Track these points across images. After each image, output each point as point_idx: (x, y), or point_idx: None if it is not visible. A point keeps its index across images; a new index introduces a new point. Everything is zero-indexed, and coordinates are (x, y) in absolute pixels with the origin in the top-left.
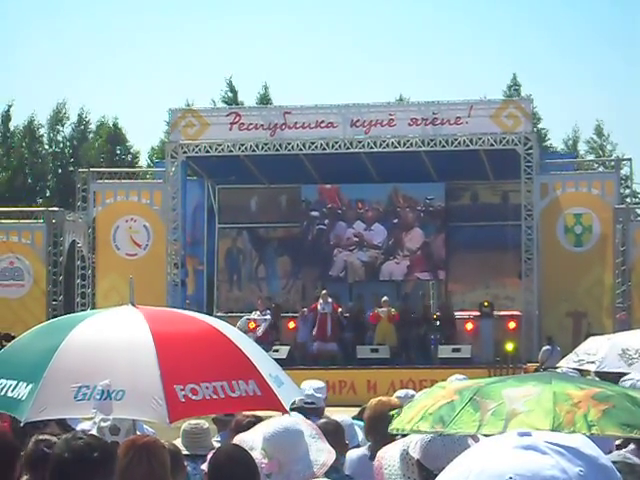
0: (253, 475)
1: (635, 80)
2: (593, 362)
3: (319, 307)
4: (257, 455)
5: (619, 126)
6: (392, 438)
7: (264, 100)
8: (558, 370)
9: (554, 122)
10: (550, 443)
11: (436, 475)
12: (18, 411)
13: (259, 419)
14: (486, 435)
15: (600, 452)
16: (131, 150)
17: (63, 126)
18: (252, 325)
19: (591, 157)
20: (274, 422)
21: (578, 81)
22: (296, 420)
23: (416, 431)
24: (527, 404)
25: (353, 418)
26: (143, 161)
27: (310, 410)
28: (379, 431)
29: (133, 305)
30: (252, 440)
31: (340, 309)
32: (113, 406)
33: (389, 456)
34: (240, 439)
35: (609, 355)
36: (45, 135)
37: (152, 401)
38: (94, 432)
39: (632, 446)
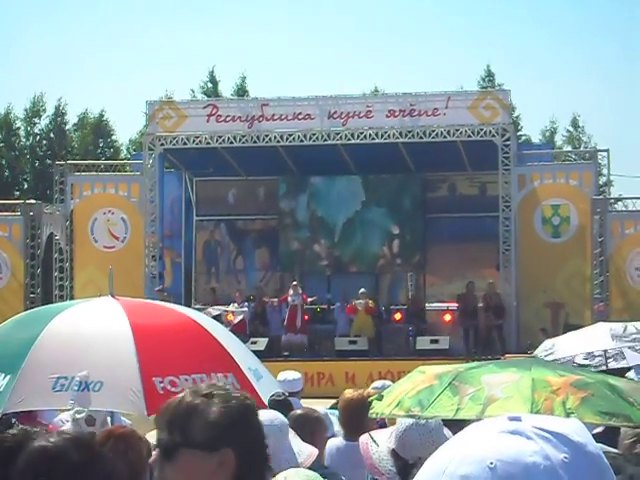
0: None
1: (611, 71)
2: (551, 353)
3: (289, 299)
4: None
5: (594, 117)
6: (366, 429)
7: (241, 92)
8: None
9: (528, 113)
10: (538, 428)
11: (411, 464)
12: None
13: None
14: (463, 420)
15: (590, 439)
16: (115, 142)
17: (40, 119)
18: (230, 317)
19: (568, 149)
20: (260, 414)
21: (553, 72)
22: (278, 413)
23: (395, 415)
24: (506, 390)
25: (330, 408)
26: (124, 154)
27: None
28: (354, 421)
29: (112, 296)
30: None
31: (310, 299)
32: (91, 397)
33: (377, 440)
34: None
35: (567, 344)
36: (22, 128)
37: (130, 393)
38: (70, 423)
39: (599, 429)
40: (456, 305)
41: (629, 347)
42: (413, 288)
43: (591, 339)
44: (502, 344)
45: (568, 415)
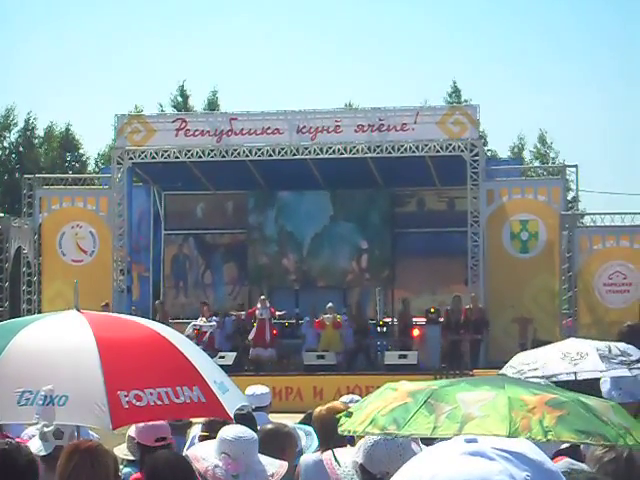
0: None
1: (578, 87)
2: (536, 369)
3: (257, 312)
4: (214, 461)
5: (561, 134)
6: (342, 444)
7: (212, 106)
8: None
9: (495, 129)
10: (497, 449)
11: (379, 479)
12: None
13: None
14: (441, 438)
15: (546, 457)
16: (82, 156)
17: (10, 132)
18: (197, 331)
19: (536, 164)
20: (230, 428)
21: (520, 87)
22: (246, 427)
23: (369, 432)
24: (483, 409)
25: (298, 423)
26: (92, 167)
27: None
28: (332, 438)
29: (78, 310)
30: (203, 451)
31: (279, 313)
32: (56, 412)
33: (343, 457)
34: (194, 455)
35: (550, 360)
36: None
37: (95, 407)
38: (37, 437)
39: (564, 445)
40: (424, 320)
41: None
42: (381, 303)
43: (582, 361)
44: (476, 359)
45: (546, 434)
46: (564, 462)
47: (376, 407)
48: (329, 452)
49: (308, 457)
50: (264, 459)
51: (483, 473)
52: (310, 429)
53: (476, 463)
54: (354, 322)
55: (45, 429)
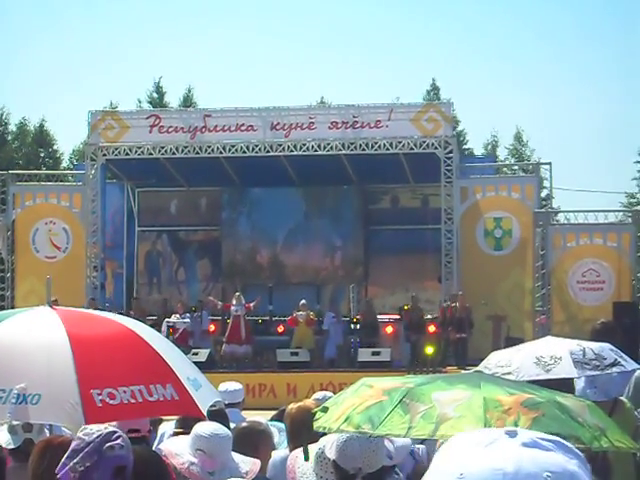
0: (164, 475)
1: (553, 84)
2: (509, 373)
3: (232, 309)
4: (189, 458)
5: (536, 131)
6: (313, 441)
7: (187, 102)
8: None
9: (473, 126)
10: (542, 439)
11: (352, 475)
12: None
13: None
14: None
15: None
16: (56, 152)
17: None
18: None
19: (511, 161)
20: (206, 425)
21: (497, 85)
22: (220, 425)
23: (343, 430)
24: (458, 409)
25: (270, 420)
26: (66, 164)
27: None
28: (301, 435)
29: (50, 306)
30: (176, 447)
31: (252, 303)
32: (29, 410)
33: (310, 453)
34: (169, 452)
35: (524, 364)
36: None
37: (68, 405)
38: (5, 430)
39: None
40: (398, 317)
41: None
42: (361, 301)
43: (555, 366)
44: (463, 357)
45: None
46: None
47: (351, 404)
48: (299, 449)
49: (277, 454)
50: (237, 457)
51: (560, 463)
52: (283, 426)
53: (544, 454)
54: (364, 318)
55: (14, 422)
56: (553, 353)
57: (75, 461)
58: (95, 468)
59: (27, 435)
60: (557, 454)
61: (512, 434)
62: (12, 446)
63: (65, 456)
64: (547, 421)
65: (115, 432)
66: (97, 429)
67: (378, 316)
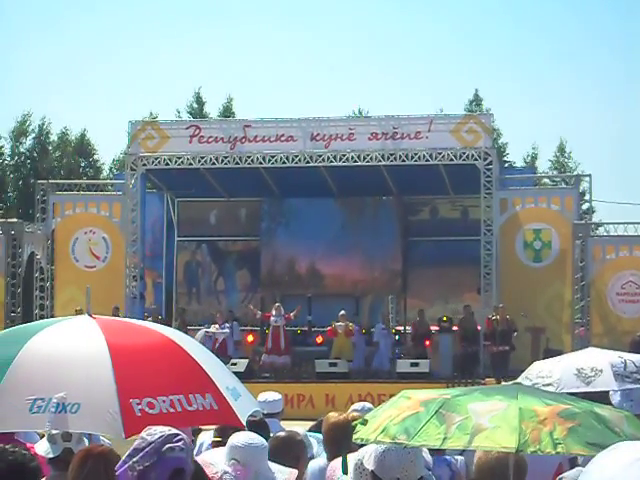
0: None
1: (597, 98)
2: (550, 384)
3: (272, 319)
4: (223, 467)
5: (579, 143)
6: (350, 451)
7: (227, 113)
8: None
9: (515, 138)
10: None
11: None
12: None
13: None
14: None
15: None
16: (97, 162)
17: (27, 137)
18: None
19: (552, 173)
20: (241, 435)
21: (540, 98)
22: (256, 434)
23: (380, 441)
24: (493, 420)
25: (309, 430)
26: (107, 173)
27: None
28: (337, 445)
29: (90, 315)
30: (212, 457)
31: (292, 313)
32: (68, 419)
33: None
34: (203, 461)
35: (564, 376)
36: (7, 146)
37: (107, 415)
38: (45, 439)
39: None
40: (437, 328)
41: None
42: (394, 311)
43: (595, 378)
44: (504, 370)
45: (555, 446)
46: (577, 470)
47: (389, 415)
48: (338, 459)
49: (314, 463)
50: (274, 466)
51: None
52: (322, 437)
53: None
54: (416, 330)
55: (53, 431)
56: (594, 365)
57: (135, 460)
58: (153, 468)
59: (66, 444)
60: None
61: None
62: (51, 455)
63: (126, 454)
64: (583, 431)
65: (177, 435)
66: (160, 430)
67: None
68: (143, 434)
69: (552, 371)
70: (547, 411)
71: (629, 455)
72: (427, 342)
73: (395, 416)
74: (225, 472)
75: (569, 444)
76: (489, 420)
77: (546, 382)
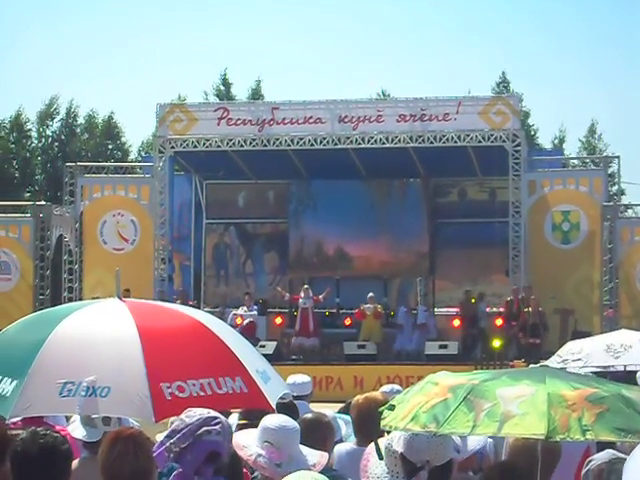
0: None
1: (629, 79)
2: (579, 359)
3: (300, 301)
4: (257, 450)
5: (610, 125)
6: (380, 434)
7: (256, 95)
8: None
9: (544, 120)
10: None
11: (420, 468)
12: (2, 408)
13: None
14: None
15: None
16: (124, 145)
17: (53, 120)
18: (239, 320)
19: (582, 155)
20: (274, 418)
21: (569, 79)
22: (288, 417)
23: (409, 429)
24: (521, 406)
25: (337, 412)
26: (135, 155)
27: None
28: (368, 427)
29: (119, 298)
30: (245, 439)
31: (321, 295)
32: (98, 403)
33: (374, 451)
34: (237, 444)
35: (594, 351)
36: (34, 129)
37: (137, 399)
38: (81, 422)
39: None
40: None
41: None
42: (422, 293)
43: (624, 353)
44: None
45: (584, 433)
46: (607, 452)
47: (417, 402)
48: (370, 447)
49: (342, 447)
50: (304, 449)
51: None
52: (349, 419)
53: None
54: (464, 311)
55: (94, 415)
56: (624, 342)
57: (172, 441)
58: (189, 450)
59: (107, 429)
60: None
61: None
62: (92, 440)
63: (164, 435)
64: (611, 416)
65: (216, 418)
66: (199, 412)
67: (445, 309)
68: (182, 416)
69: (583, 348)
70: (575, 395)
71: None
72: (454, 324)
73: (424, 403)
74: (259, 455)
75: (597, 430)
76: (518, 406)
77: (575, 358)
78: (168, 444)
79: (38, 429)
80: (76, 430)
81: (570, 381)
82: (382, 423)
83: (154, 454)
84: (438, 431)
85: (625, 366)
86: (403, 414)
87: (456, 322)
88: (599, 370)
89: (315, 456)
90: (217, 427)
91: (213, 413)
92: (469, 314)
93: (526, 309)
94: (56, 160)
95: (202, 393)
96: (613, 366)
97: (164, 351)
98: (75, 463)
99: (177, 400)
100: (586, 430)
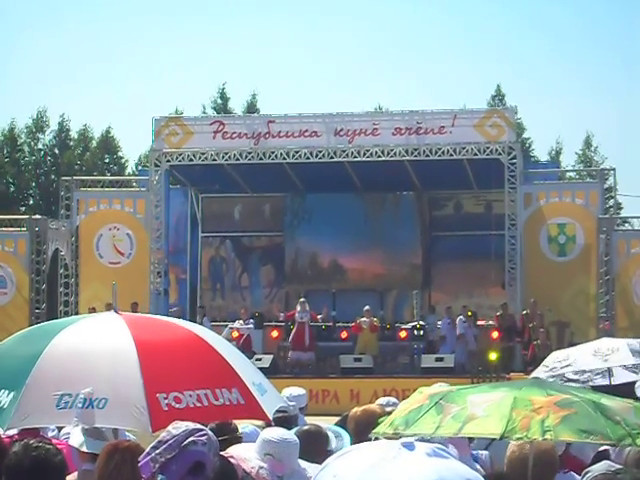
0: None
1: (626, 91)
2: (568, 365)
3: (297, 315)
4: (258, 462)
5: (607, 138)
6: None
7: (252, 108)
8: None
9: (540, 133)
10: (438, 449)
11: None
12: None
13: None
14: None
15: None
16: (121, 159)
17: (44, 134)
18: (235, 334)
19: (578, 168)
20: (274, 430)
21: (566, 92)
22: (287, 430)
23: (385, 433)
24: (487, 409)
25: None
26: (132, 169)
27: (286, 419)
28: (365, 440)
29: (116, 311)
30: (245, 451)
31: (320, 316)
32: (95, 415)
33: None
34: (238, 457)
35: (582, 356)
36: (25, 143)
37: (134, 410)
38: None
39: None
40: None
41: None
42: (418, 306)
43: (612, 355)
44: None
45: (544, 433)
46: (604, 464)
47: (400, 409)
48: None
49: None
50: (302, 462)
51: (466, 470)
52: (340, 431)
53: (448, 463)
54: (507, 322)
55: (103, 428)
56: (610, 345)
57: (157, 452)
58: (174, 461)
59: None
60: (455, 461)
61: (410, 446)
62: (97, 452)
63: (150, 445)
64: (577, 418)
65: (201, 430)
66: (185, 425)
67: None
68: (169, 428)
69: (569, 355)
70: (545, 400)
71: (372, 456)
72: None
73: (404, 409)
74: (261, 467)
75: (558, 431)
76: (484, 409)
77: (564, 364)
78: (154, 454)
79: (30, 441)
80: (87, 444)
81: (548, 389)
82: (373, 432)
83: (139, 464)
84: (404, 433)
85: (610, 370)
86: (387, 421)
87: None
88: (594, 385)
89: (313, 469)
90: (202, 438)
91: (199, 426)
92: (506, 325)
93: (530, 324)
94: (49, 174)
95: (199, 404)
96: (608, 369)
97: (161, 362)
98: (74, 475)
99: (174, 411)
100: (546, 431)
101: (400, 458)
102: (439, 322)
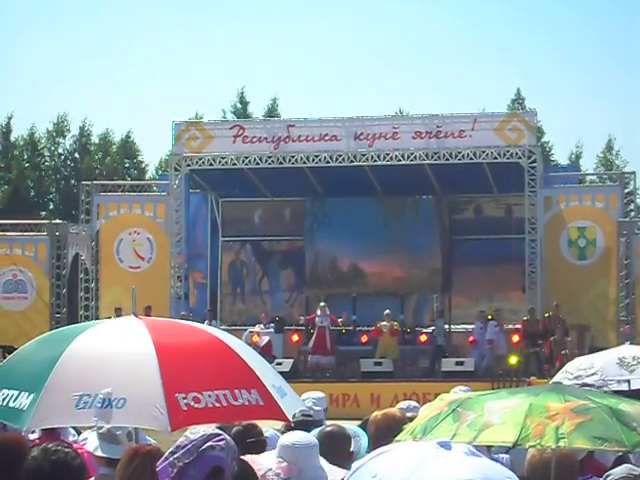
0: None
1: None
2: (594, 374)
3: (317, 319)
4: (269, 464)
5: (628, 141)
6: None
7: (272, 113)
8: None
9: (560, 136)
10: (474, 447)
11: None
12: (19, 421)
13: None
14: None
15: None
16: (141, 163)
17: (64, 138)
18: (256, 338)
19: (599, 171)
20: (290, 434)
21: (586, 95)
22: (307, 433)
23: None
24: (503, 416)
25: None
26: (152, 174)
27: (308, 422)
28: (385, 443)
29: (135, 315)
30: (263, 462)
31: (340, 320)
32: (114, 414)
33: None
34: (251, 459)
35: (607, 366)
36: (46, 148)
37: (154, 409)
38: (94, 439)
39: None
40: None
41: None
42: (438, 310)
43: (638, 365)
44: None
45: (558, 440)
46: (624, 467)
47: (423, 416)
48: None
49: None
50: (325, 465)
51: (503, 469)
52: (357, 430)
53: (487, 462)
54: (532, 327)
55: (117, 432)
56: (635, 354)
57: (176, 456)
58: (192, 465)
59: (130, 444)
60: (490, 461)
61: (447, 446)
62: (116, 456)
63: (169, 451)
64: (592, 425)
65: (219, 434)
66: (204, 429)
67: (462, 326)
68: (187, 432)
69: (593, 362)
70: (561, 407)
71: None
72: (469, 340)
73: (425, 416)
74: (269, 469)
75: (573, 438)
76: (500, 417)
77: (589, 373)
78: (172, 459)
79: (49, 445)
80: (98, 448)
81: (566, 394)
82: (395, 439)
83: (157, 469)
84: (420, 441)
85: (629, 381)
86: (409, 428)
87: (472, 338)
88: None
89: (334, 472)
90: (221, 443)
91: (217, 430)
92: (531, 330)
93: (552, 338)
94: (69, 179)
95: (217, 404)
96: (628, 380)
97: (180, 363)
98: None
99: (193, 411)
100: (560, 438)
101: (441, 457)
102: (445, 326)
